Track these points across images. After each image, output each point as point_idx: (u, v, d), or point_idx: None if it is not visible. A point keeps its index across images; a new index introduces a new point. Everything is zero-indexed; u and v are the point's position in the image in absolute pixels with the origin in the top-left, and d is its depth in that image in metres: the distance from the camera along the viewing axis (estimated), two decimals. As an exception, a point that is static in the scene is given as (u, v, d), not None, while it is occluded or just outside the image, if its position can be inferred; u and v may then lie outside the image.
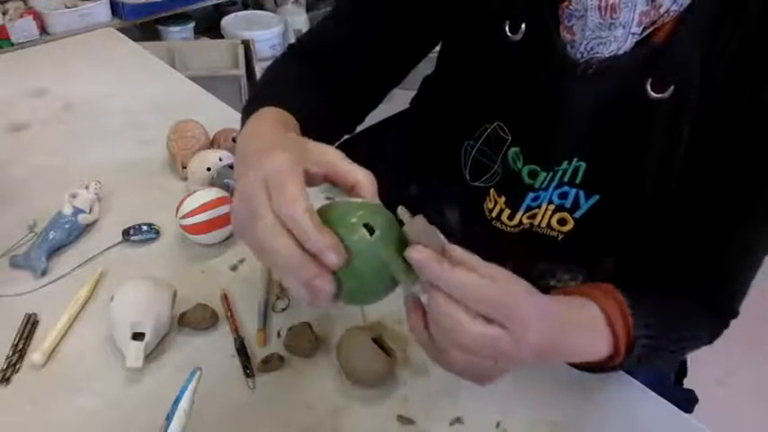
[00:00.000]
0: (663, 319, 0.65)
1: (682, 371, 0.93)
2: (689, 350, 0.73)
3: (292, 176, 0.49)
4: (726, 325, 0.72)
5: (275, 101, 0.67)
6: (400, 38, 0.78)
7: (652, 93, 0.62)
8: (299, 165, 0.50)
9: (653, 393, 0.74)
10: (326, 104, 0.76)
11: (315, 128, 0.67)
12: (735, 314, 0.72)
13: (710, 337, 0.72)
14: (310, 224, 0.47)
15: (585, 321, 0.60)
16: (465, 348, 0.49)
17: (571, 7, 0.62)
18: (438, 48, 0.81)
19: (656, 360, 0.67)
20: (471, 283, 0.48)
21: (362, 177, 0.53)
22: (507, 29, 0.68)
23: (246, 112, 0.68)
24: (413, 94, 0.90)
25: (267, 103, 0.66)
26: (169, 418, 0.57)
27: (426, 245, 0.49)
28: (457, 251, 0.49)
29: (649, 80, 0.62)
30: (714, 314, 0.71)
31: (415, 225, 0.50)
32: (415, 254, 0.48)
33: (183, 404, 0.56)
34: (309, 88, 0.76)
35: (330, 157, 0.54)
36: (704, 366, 1.04)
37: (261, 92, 0.76)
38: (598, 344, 0.60)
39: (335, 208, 0.51)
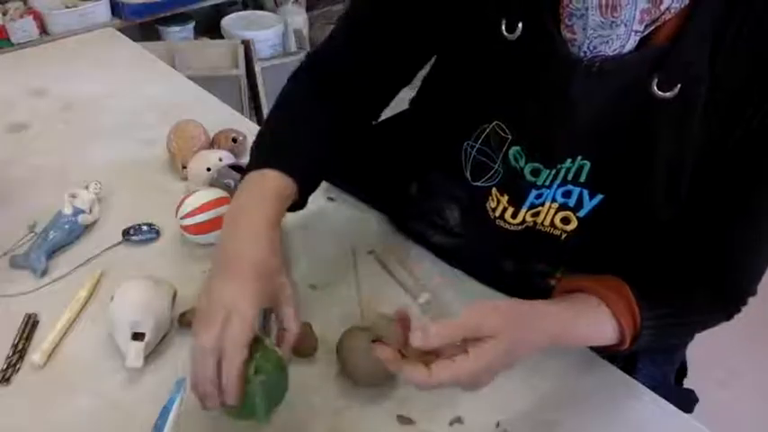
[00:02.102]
0: (671, 300, 0.69)
1: (682, 371, 0.93)
2: (701, 327, 0.76)
3: (247, 326, 0.61)
4: (743, 302, 0.73)
5: (283, 150, 0.76)
6: (402, 44, 0.78)
7: (658, 92, 0.62)
8: (256, 308, 0.62)
9: (653, 393, 0.74)
10: (337, 118, 0.81)
11: (325, 148, 0.79)
12: (751, 292, 0.72)
13: (727, 316, 0.73)
14: (235, 377, 0.59)
15: (589, 316, 0.65)
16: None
17: (571, 6, 0.61)
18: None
19: (669, 339, 0.77)
20: (434, 382, 0.57)
21: (290, 330, 0.66)
22: (504, 28, 0.67)
23: (255, 154, 0.76)
24: (412, 94, 0.90)
25: (276, 153, 0.75)
26: (159, 429, 0.58)
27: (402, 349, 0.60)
28: (432, 329, 0.57)
29: (655, 79, 0.62)
30: (727, 295, 0.72)
31: (393, 336, 0.61)
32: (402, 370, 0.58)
33: (173, 415, 0.59)
34: (320, 110, 0.81)
35: (283, 297, 0.67)
36: (706, 368, 1.03)
37: (272, 132, 0.81)
38: (603, 335, 0.66)
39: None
